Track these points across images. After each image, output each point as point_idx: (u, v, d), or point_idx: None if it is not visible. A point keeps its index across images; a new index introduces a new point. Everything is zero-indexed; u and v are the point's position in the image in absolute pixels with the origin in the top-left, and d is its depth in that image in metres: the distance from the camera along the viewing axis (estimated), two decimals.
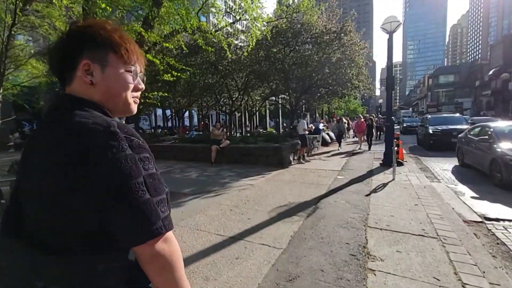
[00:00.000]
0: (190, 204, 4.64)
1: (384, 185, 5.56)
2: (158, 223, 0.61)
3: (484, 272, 2.38)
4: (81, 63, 0.67)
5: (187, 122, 30.07)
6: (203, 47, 6.90)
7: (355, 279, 2.33)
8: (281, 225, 3.55)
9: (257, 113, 24.75)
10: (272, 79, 14.11)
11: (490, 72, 38.72)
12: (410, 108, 71.37)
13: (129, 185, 0.58)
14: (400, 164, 7.53)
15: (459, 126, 10.99)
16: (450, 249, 2.79)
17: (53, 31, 6.63)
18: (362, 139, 12.52)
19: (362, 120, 12.79)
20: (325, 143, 13.62)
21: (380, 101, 40.11)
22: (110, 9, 3.79)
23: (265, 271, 2.48)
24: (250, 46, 7.93)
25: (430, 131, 11.56)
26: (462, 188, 5.62)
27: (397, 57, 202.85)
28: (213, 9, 6.92)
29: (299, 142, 8.80)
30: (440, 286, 2.19)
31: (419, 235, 3.15)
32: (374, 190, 5.18)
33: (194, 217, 3.96)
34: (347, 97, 18.61)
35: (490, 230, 3.48)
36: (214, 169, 7.89)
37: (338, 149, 11.90)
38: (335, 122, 15.66)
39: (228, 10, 8.46)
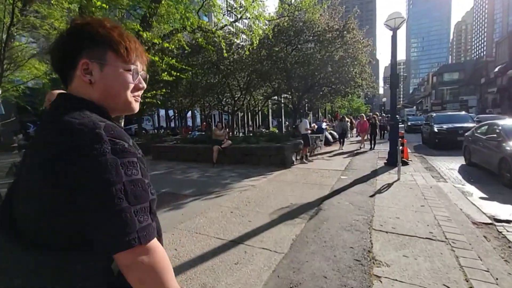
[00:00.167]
0: (190, 206, 4.55)
1: (389, 185, 5.43)
2: (132, 235, 0.57)
3: (497, 279, 2.25)
4: (80, 62, 0.67)
5: (190, 122, 30.08)
6: (204, 46, 6.80)
7: (360, 286, 2.21)
8: (282, 228, 3.44)
9: (260, 112, 24.67)
10: (274, 78, 13.99)
11: (496, 69, 38.22)
12: (414, 107, 70.84)
13: (106, 191, 0.56)
14: (405, 163, 7.38)
15: (465, 124, 10.79)
16: (459, 254, 2.66)
17: (54, 32, 6.59)
18: (365, 138, 12.33)
19: (365, 119, 12.61)
20: (327, 143, 13.47)
21: (384, 99, 39.71)
22: (107, 7, 3.70)
23: (265, 278, 2.37)
24: (255, 44, 7.82)
25: (435, 130, 11.36)
26: (469, 188, 5.46)
27: (401, 55, 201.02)
28: (214, 8, 6.83)
29: (302, 142, 8.68)
30: None
31: (426, 238, 3.02)
32: (379, 191, 5.04)
33: (194, 220, 3.86)
34: (350, 96, 18.40)
35: (500, 232, 3.34)
36: (215, 170, 7.80)
37: (341, 149, 11.74)
38: (338, 121, 15.50)
39: (229, 9, 8.36)
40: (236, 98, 15.86)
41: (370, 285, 2.22)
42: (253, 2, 7.13)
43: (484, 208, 4.21)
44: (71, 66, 0.68)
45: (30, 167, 0.63)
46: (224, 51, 7.26)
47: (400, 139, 6.49)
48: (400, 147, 6.30)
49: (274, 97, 18.18)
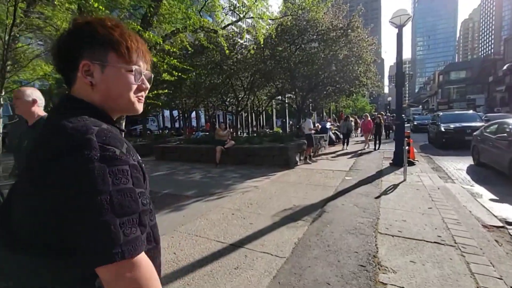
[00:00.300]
0: (191, 208, 4.48)
1: (395, 186, 5.29)
2: (116, 249, 0.53)
3: (511, 287, 2.13)
4: (81, 64, 0.65)
5: (194, 123, 30.15)
6: (205, 44, 6.74)
7: None
8: (284, 231, 3.34)
9: (264, 112, 24.57)
10: (278, 78, 13.91)
11: (505, 67, 37.50)
12: (420, 106, 69.98)
13: (89, 200, 0.53)
14: (411, 163, 7.22)
15: (473, 124, 10.55)
16: (470, 259, 2.53)
17: (57, 33, 6.59)
18: (369, 138, 12.13)
19: (369, 119, 12.41)
20: (331, 143, 13.31)
21: (389, 99, 39.30)
22: (104, 9, 3.63)
23: (266, 284, 2.28)
24: (261, 41, 7.72)
25: (442, 129, 11.13)
26: (479, 189, 5.29)
27: (406, 54, 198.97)
28: (215, 8, 6.76)
29: (305, 142, 8.56)
30: None
31: (434, 242, 2.90)
32: (384, 192, 4.91)
33: (194, 222, 3.79)
34: (354, 95, 18.21)
35: None
36: (218, 171, 7.73)
37: (346, 149, 11.58)
38: (342, 120, 15.32)
39: (231, 8, 8.28)
40: (239, 98, 15.81)
41: None
42: (256, 1, 7.05)
43: (495, 210, 4.05)
44: (73, 67, 0.67)
45: (24, 167, 0.62)
46: (225, 48, 7.17)
47: (406, 138, 6.35)
48: (406, 147, 6.15)
49: (278, 97, 18.10)
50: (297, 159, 8.25)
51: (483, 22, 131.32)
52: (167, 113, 27.21)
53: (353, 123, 15.30)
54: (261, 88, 15.90)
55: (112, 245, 0.53)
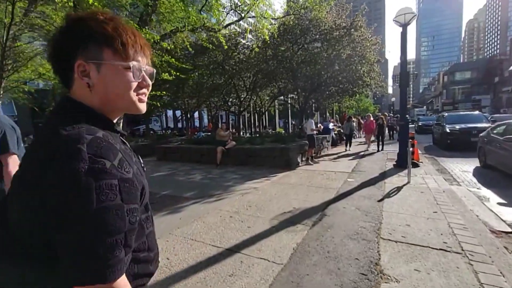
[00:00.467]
0: (189, 210, 4.38)
1: (399, 188, 5.14)
2: (95, 271, 0.51)
3: None
4: (76, 64, 0.61)
5: (197, 123, 30.13)
6: (205, 44, 6.64)
7: None
8: (283, 235, 3.22)
9: (266, 113, 24.46)
10: (280, 78, 13.78)
11: (511, 68, 36.99)
12: (424, 107, 69.34)
13: (71, 216, 0.51)
14: (415, 165, 7.04)
15: (479, 125, 10.31)
16: (478, 268, 2.39)
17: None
18: (371, 139, 11.93)
19: (372, 119, 12.21)
20: (334, 144, 13.15)
21: (393, 99, 39.01)
22: (100, 6, 3.56)
23: None
24: (267, 38, 7.60)
25: (447, 130, 10.92)
26: (486, 192, 5.12)
27: (411, 55, 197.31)
28: (215, 7, 6.66)
29: (307, 143, 8.43)
30: None
31: (440, 249, 2.76)
32: (388, 195, 4.76)
33: (191, 225, 3.68)
34: (358, 96, 18.00)
35: None
36: (218, 171, 7.63)
37: (349, 150, 11.41)
38: (345, 121, 15.14)
39: (233, 7, 8.19)
40: (242, 99, 15.71)
41: None
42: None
43: (503, 215, 3.90)
44: (69, 67, 0.62)
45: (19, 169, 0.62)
46: (224, 44, 7.03)
47: (410, 139, 6.19)
48: (411, 148, 6.00)
49: (281, 97, 17.99)
50: (299, 160, 8.12)
51: (489, 22, 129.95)
52: (170, 113, 27.24)
53: (355, 124, 15.09)
54: (264, 88, 15.79)
55: (91, 267, 0.51)
